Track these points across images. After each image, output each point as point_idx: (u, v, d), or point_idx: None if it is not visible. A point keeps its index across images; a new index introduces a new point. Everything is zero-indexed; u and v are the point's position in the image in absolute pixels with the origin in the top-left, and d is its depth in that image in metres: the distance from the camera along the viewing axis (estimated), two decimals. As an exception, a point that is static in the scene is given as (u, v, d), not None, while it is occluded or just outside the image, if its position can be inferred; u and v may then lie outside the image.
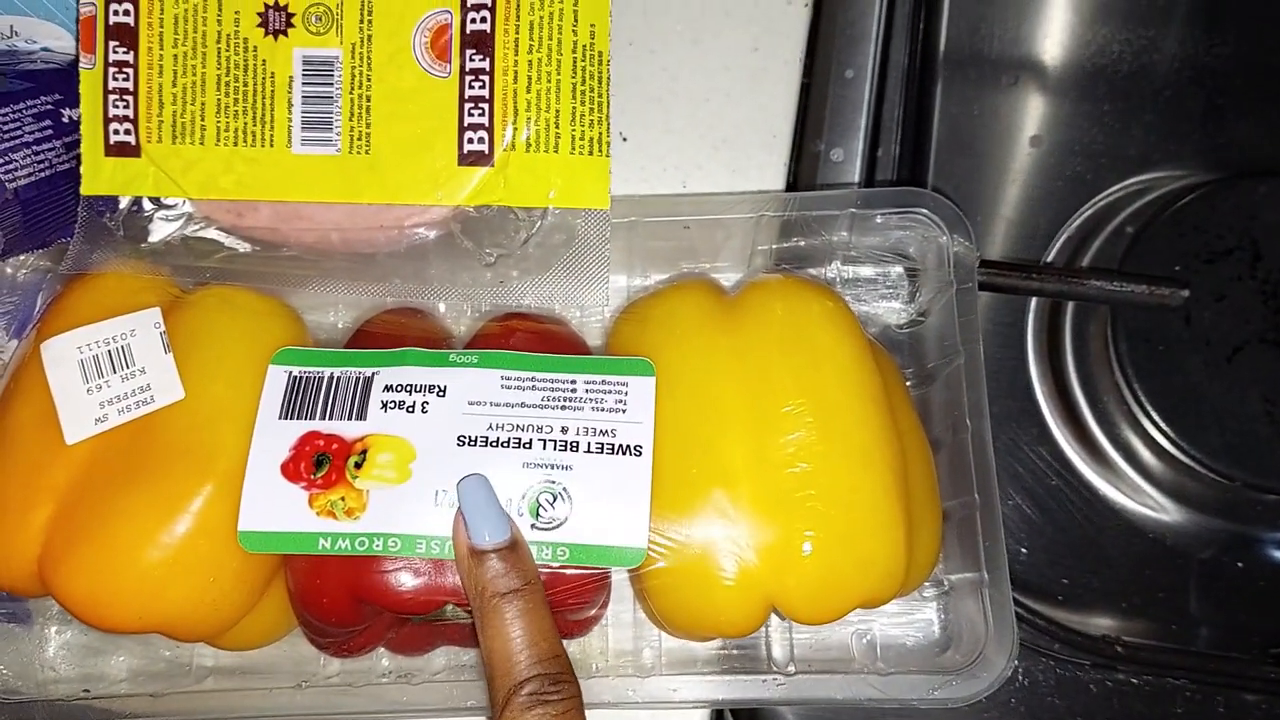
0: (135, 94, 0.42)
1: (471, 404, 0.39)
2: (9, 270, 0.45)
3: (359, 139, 0.42)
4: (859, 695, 0.40)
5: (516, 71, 0.42)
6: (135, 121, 0.42)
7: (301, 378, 0.40)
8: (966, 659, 0.41)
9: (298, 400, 0.39)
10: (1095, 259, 0.53)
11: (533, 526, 0.37)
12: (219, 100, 0.42)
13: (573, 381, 0.40)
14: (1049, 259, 0.55)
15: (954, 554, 0.43)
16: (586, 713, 0.34)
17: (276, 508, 0.38)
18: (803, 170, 0.54)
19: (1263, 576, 0.51)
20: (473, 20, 0.42)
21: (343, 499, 0.38)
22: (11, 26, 0.47)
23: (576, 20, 0.42)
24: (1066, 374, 0.53)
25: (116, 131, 0.42)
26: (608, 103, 0.42)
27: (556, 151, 0.42)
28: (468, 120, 0.42)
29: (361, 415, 0.39)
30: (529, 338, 0.42)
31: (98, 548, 0.37)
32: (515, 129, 0.42)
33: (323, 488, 0.38)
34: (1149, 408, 0.49)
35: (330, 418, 0.39)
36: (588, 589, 0.38)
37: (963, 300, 0.43)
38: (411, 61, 0.42)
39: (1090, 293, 0.48)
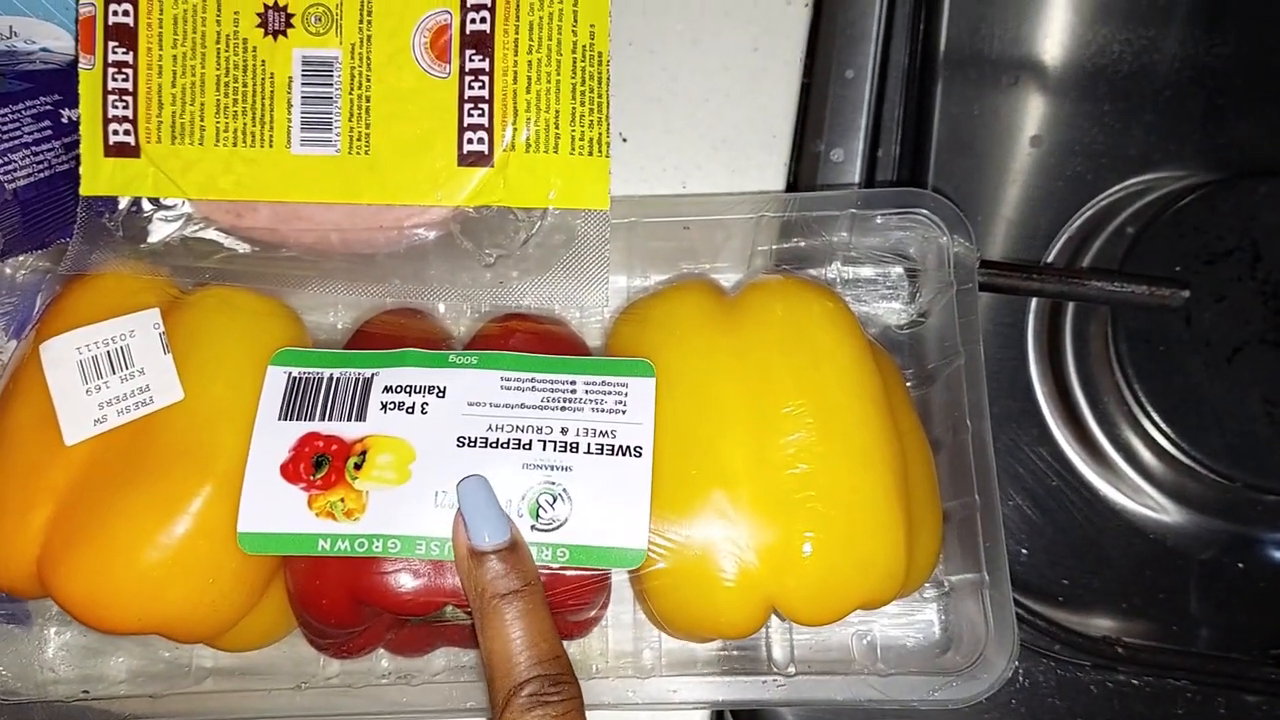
0: (134, 94, 0.42)
1: (471, 405, 0.39)
2: (8, 271, 0.45)
3: (358, 139, 0.42)
4: (859, 696, 0.40)
5: (516, 72, 0.42)
6: (134, 122, 0.42)
7: (301, 378, 0.40)
8: (967, 660, 0.41)
9: (297, 401, 0.39)
10: (1096, 259, 0.53)
11: (532, 528, 0.37)
12: (218, 101, 0.42)
13: (572, 382, 0.40)
14: (1049, 259, 0.55)
15: (954, 555, 0.43)
16: (587, 713, 0.34)
17: (276, 509, 0.38)
18: (803, 170, 0.54)
19: (1263, 577, 0.51)
20: (472, 20, 0.42)
21: (342, 500, 0.38)
22: (10, 27, 0.47)
23: (576, 20, 0.42)
24: (1067, 375, 0.52)
25: (116, 132, 0.42)
26: (607, 103, 0.42)
27: (556, 152, 0.42)
28: (467, 121, 0.42)
29: (361, 416, 0.39)
30: (529, 338, 0.42)
31: (97, 549, 0.37)
32: (515, 129, 0.42)
33: (322, 489, 0.38)
34: (1149, 408, 0.49)
35: (330, 419, 0.39)
36: (587, 590, 0.38)
37: (963, 301, 0.43)
38: (411, 62, 0.42)
39: (1091, 293, 0.48)
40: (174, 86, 0.42)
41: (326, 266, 0.43)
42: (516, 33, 0.42)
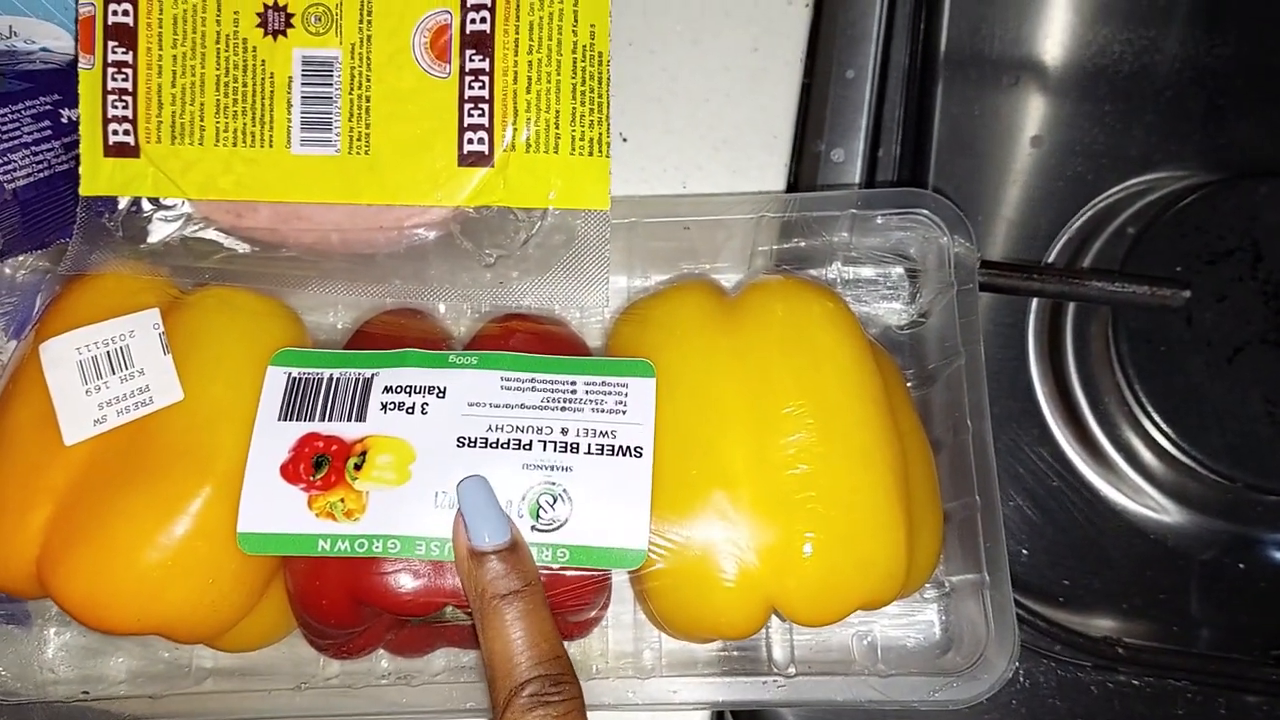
0: (134, 94, 0.42)
1: (471, 405, 0.39)
2: (8, 271, 0.45)
3: (358, 139, 0.42)
4: (859, 697, 0.40)
5: (516, 72, 0.42)
6: (134, 122, 0.42)
7: (301, 379, 0.40)
8: (967, 660, 0.41)
9: (297, 401, 0.39)
10: (1096, 260, 0.53)
11: (533, 528, 0.37)
12: (218, 101, 0.42)
13: (573, 383, 0.40)
14: (1050, 260, 0.55)
15: (955, 555, 0.43)
16: (587, 714, 0.34)
17: (276, 509, 0.38)
18: (803, 171, 0.54)
19: (1264, 578, 0.51)
20: (472, 20, 0.42)
21: (342, 500, 0.37)
22: (10, 26, 0.47)
23: (576, 21, 0.42)
24: (1067, 375, 0.52)
25: (115, 132, 0.42)
26: (608, 103, 0.42)
27: (556, 152, 0.42)
28: (467, 121, 0.42)
29: (361, 416, 0.39)
30: (529, 339, 0.42)
31: (96, 549, 0.37)
32: (515, 129, 0.42)
33: (322, 489, 0.38)
34: (1150, 409, 0.49)
35: (330, 419, 0.39)
36: (588, 590, 0.38)
37: (963, 301, 0.43)
38: (411, 62, 0.42)
39: (1091, 293, 0.48)
40: (174, 86, 0.42)
41: (326, 267, 0.43)
42: (517, 33, 0.42)
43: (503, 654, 0.34)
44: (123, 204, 0.43)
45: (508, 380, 0.40)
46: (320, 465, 0.38)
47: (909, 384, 0.46)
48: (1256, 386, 0.48)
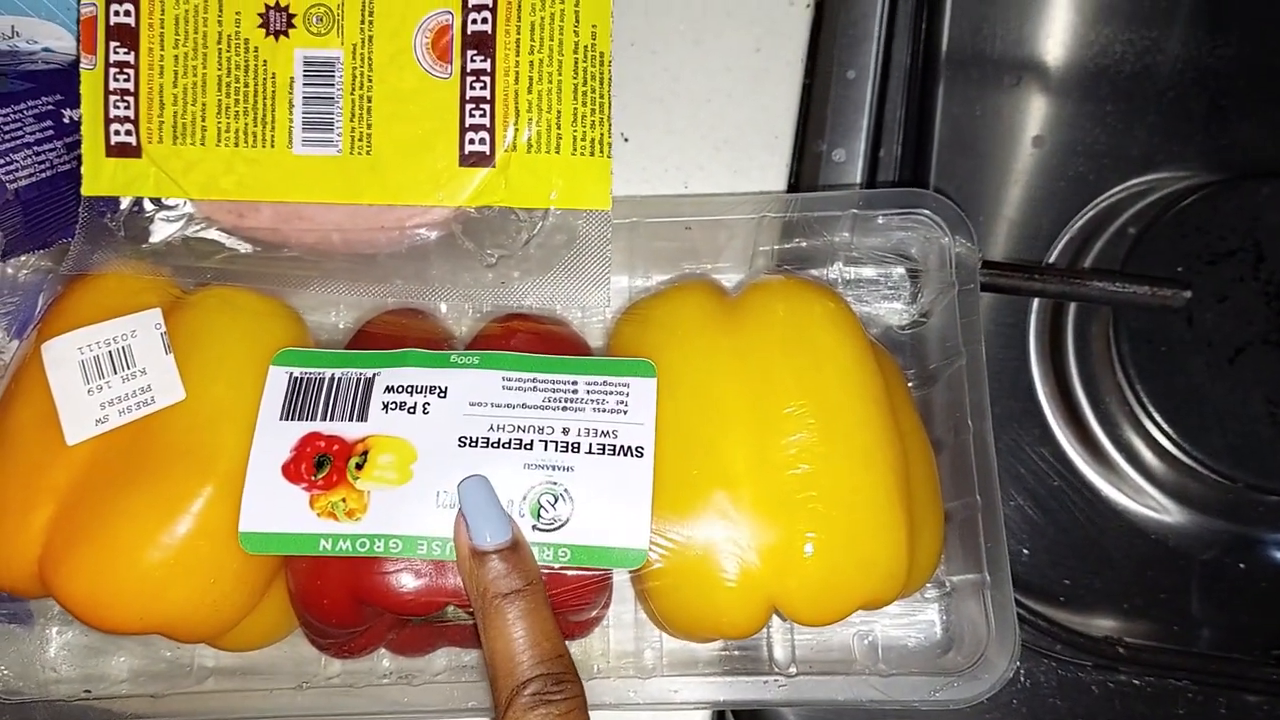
0: (136, 95, 0.42)
1: (473, 405, 0.39)
2: (10, 271, 0.45)
3: (360, 140, 0.42)
4: (860, 696, 0.40)
5: (518, 72, 0.42)
6: (136, 122, 0.42)
7: (302, 379, 0.40)
8: (968, 660, 0.41)
9: (299, 401, 0.39)
10: (1097, 260, 0.53)
11: (534, 527, 0.37)
12: (220, 101, 0.42)
13: (574, 382, 0.40)
14: (1051, 260, 0.55)
15: (956, 555, 0.43)
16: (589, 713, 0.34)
17: (277, 509, 0.38)
18: (804, 171, 0.54)
19: (1264, 578, 0.51)
20: (474, 21, 0.42)
21: (344, 500, 0.38)
22: (13, 27, 0.47)
23: (578, 21, 0.42)
24: (1068, 375, 0.52)
25: (117, 132, 0.42)
26: (609, 103, 0.42)
27: (558, 152, 0.42)
28: (469, 121, 0.42)
29: (362, 416, 0.39)
30: (530, 339, 0.42)
31: (98, 548, 0.37)
32: (516, 130, 0.42)
33: (324, 489, 0.38)
34: (1151, 409, 0.49)
35: (331, 419, 0.39)
36: (589, 590, 0.38)
37: (965, 301, 0.43)
38: (413, 62, 0.42)
39: (1092, 294, 0.48)
40: (175, 87, 0.42)
41: (328, 267, 0.43)
42: (518, 33, 0.42)
43: (504, 653, 0.34)
44: (125, 204, 0.43)
45: (509, 380, 0.40)
46: (322, 465, 0.38)
47: (910, 384, 0.46)
48: (1258, 387, 0.48)
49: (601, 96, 0.42)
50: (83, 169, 0.42)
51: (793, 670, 0.42)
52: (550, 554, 0.37)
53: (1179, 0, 0.57)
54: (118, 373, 0.39)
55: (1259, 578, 0.51)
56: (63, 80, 0.45)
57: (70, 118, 0.45)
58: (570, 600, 0.38)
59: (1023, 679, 0.49)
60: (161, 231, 0.43)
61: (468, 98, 0.42)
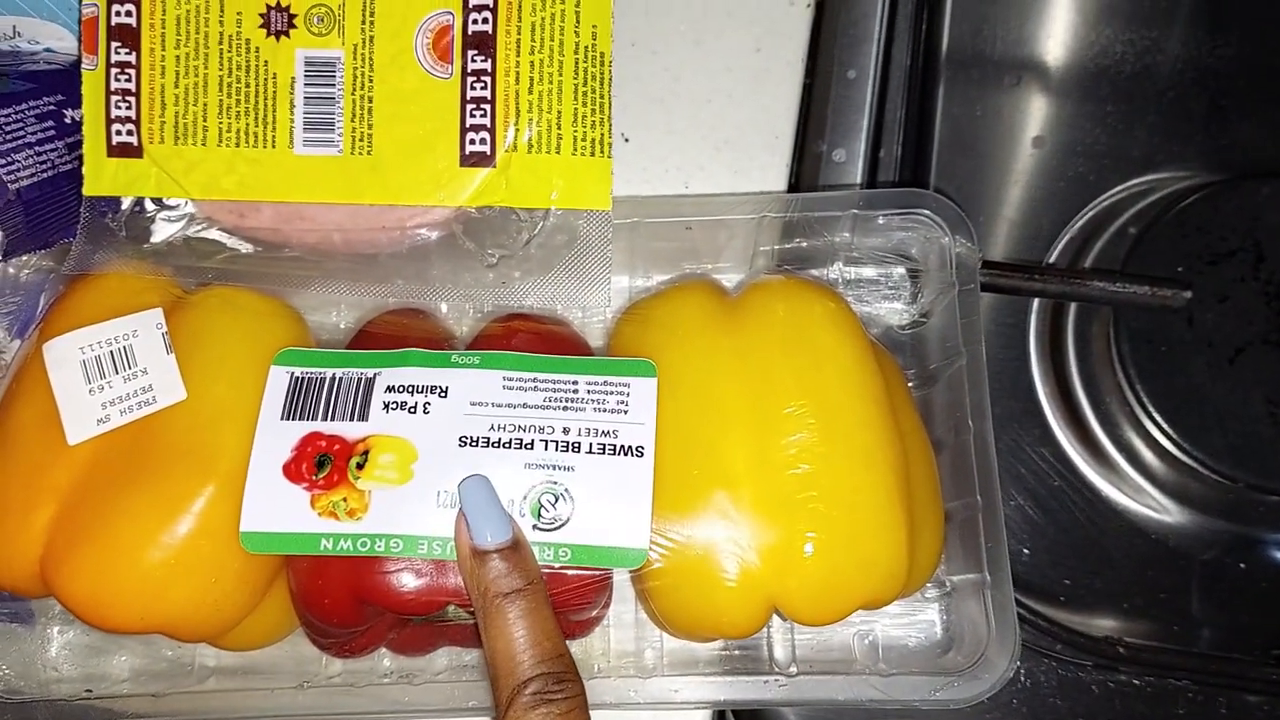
0: (137, 95, 0.42)
1: (473, 405, 0.39)
2: (12, 270, 0.45)
3: (361, 140, 0.42)
4: (861, 696, 0.40)
5: (518, 73, 0.42)
6: (137, 122, 0.42)
7: (303, 378, 0.40)
8: (968, 660, 0.41)
9: (299, 401, 0.39)
10: (1098, 260, 0.53)
11: (534, 527, 0.37)
12: (221, 101, 0.42)
13: (574, 382, 0.40)
14: (1051, 260, 0.55)
15: (956, 555, 0.43)
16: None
17: (278, 508, 0.38)
18: (805, 171, 0.54)
19: (1265, 578, 0.51)
20: (474, 21, 0.42)
21: (345, 500, 0.38)
22: (14, 27, 0.47)
23: (578, 21, 0.42)
24: (1069, 375, 0.52)
25: (119, 132, 0.42)
26: (610, 104, 0.42)
27: (558, 152, 0.42)
28: (469, 121, 0.42)
29: (363, 416, 0.39)
30: (531, 338, 0.42)
31: (100, 548, 0.37)
32: (517, 130, 0.42)
33: (325, 488, 0.38)
34: (1151, 409, 0.49)
35: (332, 418, 0.39)
36: (589, 590, 0.38)
37: (965, 301, 0.43)
38: (413, 62, 0.42)
39: (1093, 294, 0.48)
40: (177, 87, 0.42)
41: (329, 267, 0.43)
42: (519, 33, 0.42)
43: (505, 652, 0.34)
44: (126, 204, 0.43)
45: (510, 380, 0.40)
46: (323, 464, 0.38)
47: (910, 384, 0.46)
48: (1258, 387, 0.48)
49: (602, 97, 0.42)
50: (84, 169, 0.42)
51: (793, 670, 0.42)
52: (551, 553, 0.37)
53: (1179, 0, 0.57)
54: (119, 372, 0.39)
55: (1259, 578, 0.51)
56: (64, 80, 0.45)
57: (72, 118, 0.45)
58: (571, 600, 0.38)
59: (1023, 679, 0.49)
60: (163, 231, 0.43)
61: (468, 98, 0.42)
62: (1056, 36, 0.57)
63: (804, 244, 0.47)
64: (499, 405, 0.39)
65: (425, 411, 0.39)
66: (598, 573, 0.38)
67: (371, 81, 0.42)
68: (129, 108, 0.42)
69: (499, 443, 0.38)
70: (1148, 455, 0.51)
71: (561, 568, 0.38)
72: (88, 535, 0.37)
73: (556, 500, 0.38)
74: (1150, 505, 0.52)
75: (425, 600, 0.37)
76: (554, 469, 0.38)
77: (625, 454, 0.39)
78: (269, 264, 0.43)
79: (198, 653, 0.45)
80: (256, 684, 0.43)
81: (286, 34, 0.42)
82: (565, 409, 0.39)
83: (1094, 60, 0.57)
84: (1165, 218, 0.51)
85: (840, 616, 0.39)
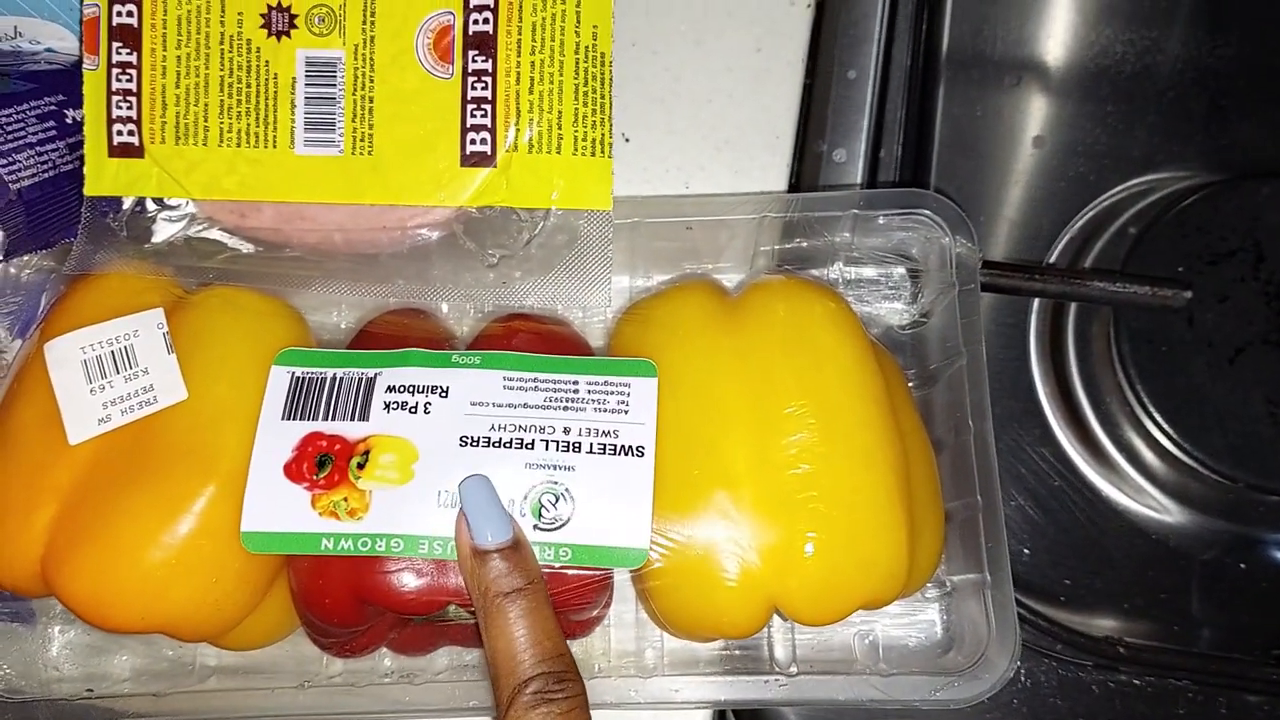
0: (138, 95, 0.42)
1: (474, 405, 0.39)
2: (13, 270, 0.45)
3: (362, 140, 0.42)
4: (861, 696, 0.40)
5: (519, 73, 0.42)
6: (139, 122, 0.42)
7: (304, 378, 0.40)
8: (969, 660, 0.41)
9: (300, 401, 0.39)
10: (1098, 260, 0.53)
11: (535, 527, 0.38)
12: (222, 101, 0.42)
13: (575, 382, 0.40)
14: (1052, 260, 0.55)
15: (956, 555, 0.43)
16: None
17: (279, 508, 0.38)
18: (805, 171, 0.54)
19: (1265, 578, 0.51)
20: (475, 21, 0.42)
21: (345, 499, 0.38)
22: (15, 27, 0.47)
23: (579, 21, 0.42)
24: (1069, 375, 0.52)
25: (120, 132, 0.42)
26: (610, 104, 0.42)
27: (559, 152, 0.42)
28: (470, 121, 0.42)
29: (364, 416, 0.39)
30: (531, 338, 0.42)
31: (100, 548, 0.37)
32: (518, 130, 0.42)
33: (325, 488, 0.38)
34: (1151, 409, 0.49)
35: (333, 418, 0.39)
36: (590, 589, 0.38)
37: (965, 301, 0.43)
38: (414, 63, 0.42)
39: (1093, 294, 0.48)
40: (178, 87, 0.42)
41: (330, 267, 0.43)
42: (519, 33, 0.42)
43: (506, 652, 0.34)
44: (127, 204, 0.43)
45: (510, 380, 0.40)
46: (324, 464, 0.38)
47: (911, 384, 0.46)
48: (1258, 387, 0.48)
49: (602, 97, 0.42)
50: (85, 169, 0.42)
51: (793, 670, 0.42)
52: (551, 553, 0.37)
53: (1179, 0, 0.57)
54: (120, 372, 0.39)
55: (1259, 578, 0.51)
56: (65, 80, 0.45)
57: (73, 118, 0.45)
58: (571, 599, 0.38)
59: (1023, 679, 0.49)
60: (164, 231, 0.43)
61: (469, 98, 0.42)
62: (1057, 36, 0.57)
63: (804, 244, 0.47)
64: (500, 405, 0.39)
65: (426, 411, 0.39)
66: (598, 572, 0.38)
67: (372, 81, 0.42)
68: (130, 108, 0.42)
69: (500, 443, 0.38)
70: (1148, 455, 0.51)
71: (562, 567, 0.38)
72: (89, 535, 0.37)
73: (557, 500, 0.38)
74: (1150, 505, 0.52)
75: (426, 600, 0.37)
76: (554, 469, 0.38)
77: (626, 454, 0.39)
78: (270, 264, 0.43)
79: (199, 652, 0.45)
80: (257, 684, 0.43)
81: (287, 34, 0.42)
82: (566, 409, 0.39)
83: (1094, 60, 0.57)
84: (1165, 218, 0.51)
85: (840, 616, 0.39)
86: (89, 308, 0.41)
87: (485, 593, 0.35)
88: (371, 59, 0.42)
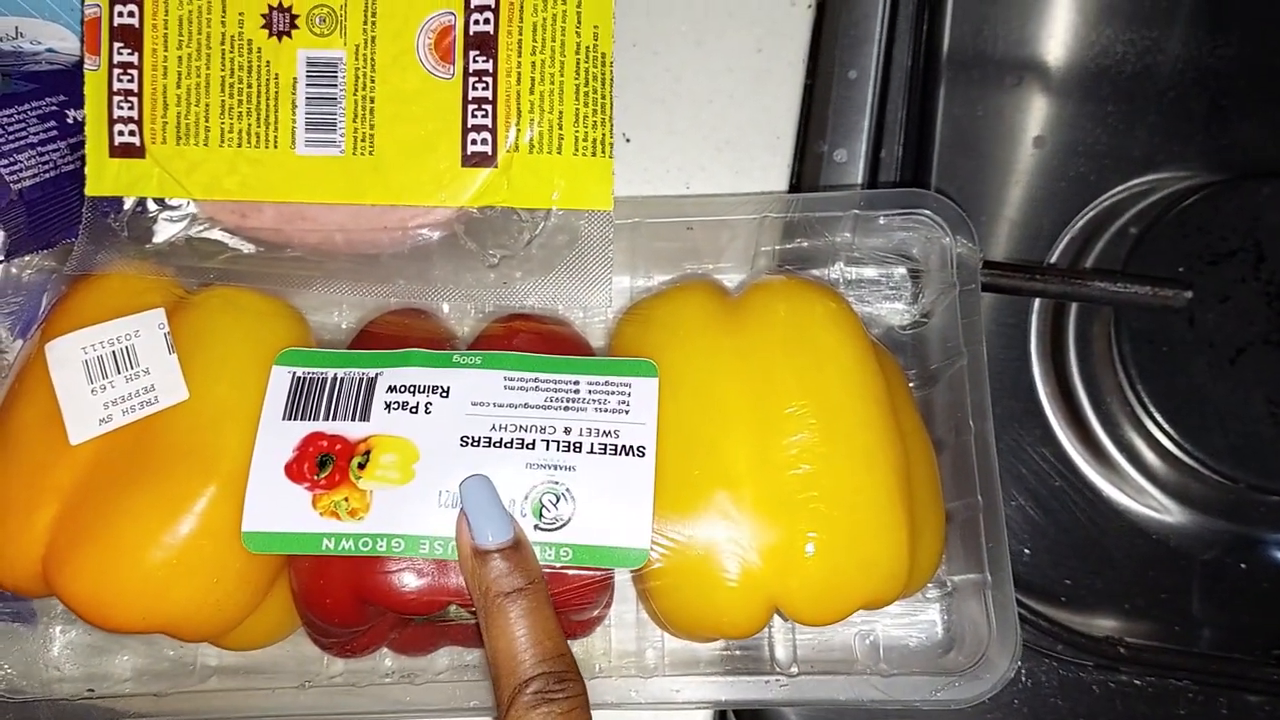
0: (140, 95, 0.42)
1: (475, 405, 0.39)
2: (14, 271, 0.46)
3: (363, 140, 0.42)
4: (862, 696, 0.40)
5: (520, 73, 0.42)
6: (140, 123, 0.42)
7: (305, 378, 0.40)
8: (969, 660, 0.41)
9: (301, 401, 0.39)
10: (1099, 260, 0.53)
11: (536, 527, 0.38)
12: (223, 101, 0.42)
13: (576, 382, 0.40)
14: (1052, 260, 0.55)
15: (957, 555, 0.43)
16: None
17: (280, 508, 0.38)
18: (806, 171, 0.54)
19: (1265, 578, 0.51)
20: (476, 22, 0.42)
21: (346, 499, 0.38)
22: (17, 28, 0.47)
23: (580, 22, 0.42)
24: (1070, 375, 0.52)
25: (121, 133, 0.42)
26: (611, 104, 0.43)
27: (560, 153, 0.42)
28: (471, 122, 0.42)
29: (365, 416, 0.39)
30: (532, 339, 0.42)
31: (102, 548, 0.37)
32: (518, 130, 0.42)
33: (326, 488, 0.38)
34: (1152, 409, 0.49)
35: (334, 418, 0.39)
36: (590, 590, 0.38)
37: (966, 301, 0.43)
38: (415, 63, 0.42)
39: (1094, 294, 0.48)
40: (179, 87, 0.42)
41: (331, 267, 0.43)
42: (520, 34, 0.42)
43: (507, 652, 0.34)
44: (128, 204, 0.43)
45: (511, 380, 0.40)
46: (324, 464, 0.38)
47: (911, 384, 0.46)
48: (1259, 387, 0.48)
49: (603, 97, 0.42)
50: (86, 169, 0.42)
51: (794, 670, 0.42)
52: (552, 553, 0.37)
53: (1179, 0, 0.57)
54: (121, 372, 0.39)
55: (1260, 578, 0.51)
56: (66, 81, 0.45)
57: (74, 118, 0.45)
58: (572, 599, 0.38)
59: (1024, 679, 0.49)
60: (165, 232, 0.43)
61: (470, 98, 0.42)
62: (1057, 37, 0.57)
63: (805, 244, 0.47)
64: (500, 405, 0.39)
65: (427, 411, 0.39)
66: (599, 572, 0.38)
67: (373, 82, 0.42)
68: (131, 108, 0.42)
69: (500, 443, 0.38)
70: (1149, 455, 0.51)
71: (563, 567, 0.38)
72: (90, 535, 0.37)
73: (558, 500, 0.38)
74: (1151, 505, 0.52)
75: (427, 600, 0.37)
76: (555, 469, 0.38)
77: (626, 454, 0.39)
78: (271, 264, 0.43)
79: (200, 652, 0.45)
80: (258, 684, 0.43)
81: (288, 34, 0.42)
82: (566, 409, 0.39)
83: (1095, 60, 0.57)
84: (1166, 218, 0.51)
85: (841, 616, 0.39)
86: (90, 308, 0.41)
87: (486, 593, 0.35)
88: (372, 59, 0.42)
